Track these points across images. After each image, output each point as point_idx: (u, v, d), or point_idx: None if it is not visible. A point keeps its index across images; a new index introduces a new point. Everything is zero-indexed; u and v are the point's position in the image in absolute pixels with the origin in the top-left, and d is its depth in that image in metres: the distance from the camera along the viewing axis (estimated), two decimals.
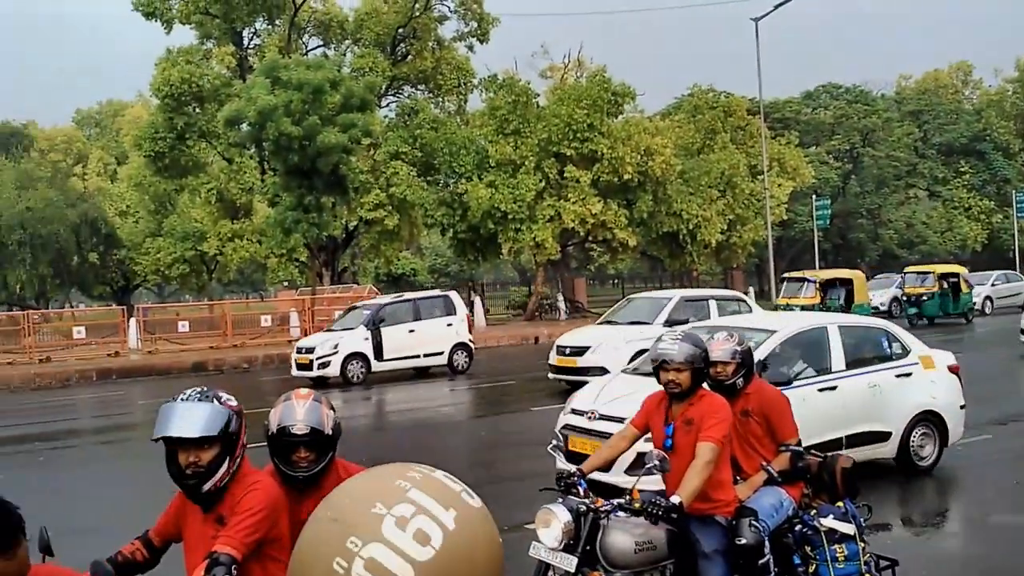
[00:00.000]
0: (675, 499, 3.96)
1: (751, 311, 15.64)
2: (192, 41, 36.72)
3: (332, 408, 3.49)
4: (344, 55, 38.76)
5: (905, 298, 29.35)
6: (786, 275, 30.00)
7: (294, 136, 28.08)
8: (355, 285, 38.74)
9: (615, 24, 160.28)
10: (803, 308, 23.78)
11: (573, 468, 4.38)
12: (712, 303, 16.36)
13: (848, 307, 25.34)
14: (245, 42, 38.71)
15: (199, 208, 40.73)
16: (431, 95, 40.12)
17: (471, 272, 54.12)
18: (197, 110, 35.32)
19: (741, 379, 4.90)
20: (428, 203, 34.62)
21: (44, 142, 55.81)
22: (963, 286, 28.80)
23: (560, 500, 4.15)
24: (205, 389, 3.22)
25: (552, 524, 4.01)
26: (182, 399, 3.13)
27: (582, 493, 4.20)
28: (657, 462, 4.05)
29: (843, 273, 28.39)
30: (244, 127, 30.98)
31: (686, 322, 13.43)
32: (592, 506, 4.07)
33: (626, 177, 33.58)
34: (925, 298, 28.07)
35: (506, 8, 39.00)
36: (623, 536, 4.04)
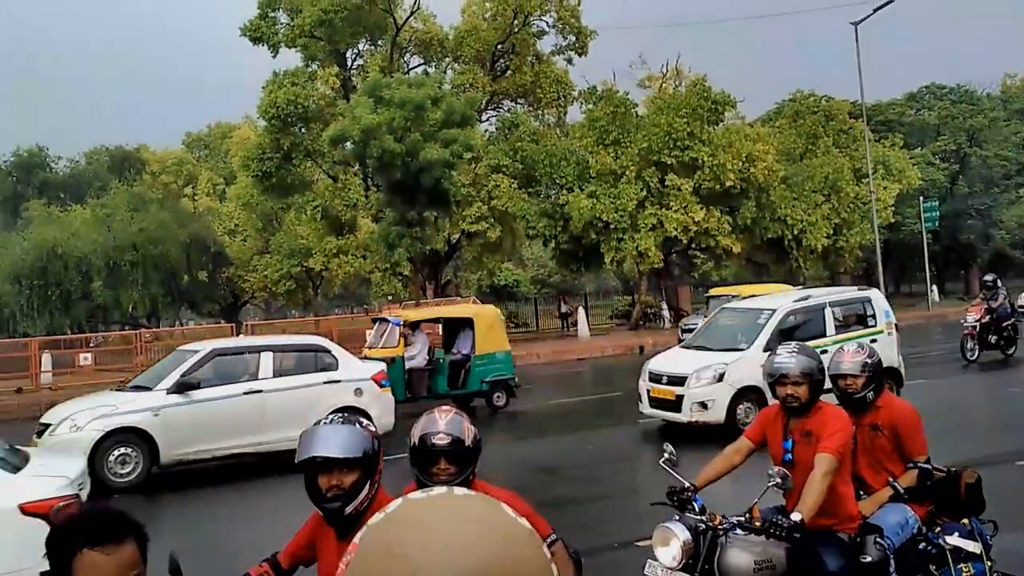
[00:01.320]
0: (796, 516, 3.84)
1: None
2: (297, 63, 37.80)
3: (473, 425, 3.50)
4: (444, 72, 39.33)
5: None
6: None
7: (397, 153, 28.59)
8: (458, 297, 39.10)
9: (713, 32, 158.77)
10: None
11: (687, 484, 4.29)
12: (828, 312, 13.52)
13: None
14: (348, 63, 39.68)
15: (305, 225, 41.66)
16: (530, 108, 40.41)
17: (574, 282, 54.14)
18: (303, 130, 36.26)
19: (871, 392, 4.76)
20: (529, 214, 34.80)
21: (155, 165, 57.90)
22: None
23: (677, 517, 4.09)
24: (345, 414, 3.29)
25: (671, 543, 3.95)
26: (324, 423, 3.19)
27: (698, 510, 4.12)
28: (779, 480, 3.96)
29: None
30: (348, 145, 31.71)
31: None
32: (710, 524, 4.01)
33: (728, 184, 33.17)
34: None
35: (604, 21, 39.19)
36: (742, 555, 3.96)
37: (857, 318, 13.66)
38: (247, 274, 43.41)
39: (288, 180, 37.43)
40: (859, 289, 14.92)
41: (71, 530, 1.94)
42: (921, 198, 41.54)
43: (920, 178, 44.51)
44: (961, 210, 52.42)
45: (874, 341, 12.19)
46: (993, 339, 18.84)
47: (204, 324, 45.29)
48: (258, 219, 44.63)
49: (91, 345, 31.77)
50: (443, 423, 3.39)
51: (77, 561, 1.89)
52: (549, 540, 3.23)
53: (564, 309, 43.76)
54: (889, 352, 12.68)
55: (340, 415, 3.28)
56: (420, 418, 3.48)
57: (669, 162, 33.35)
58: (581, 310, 36.27)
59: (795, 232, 36.00)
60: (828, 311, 13.20)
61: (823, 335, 12.64)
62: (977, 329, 18.64)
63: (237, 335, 28.42)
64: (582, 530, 7.50)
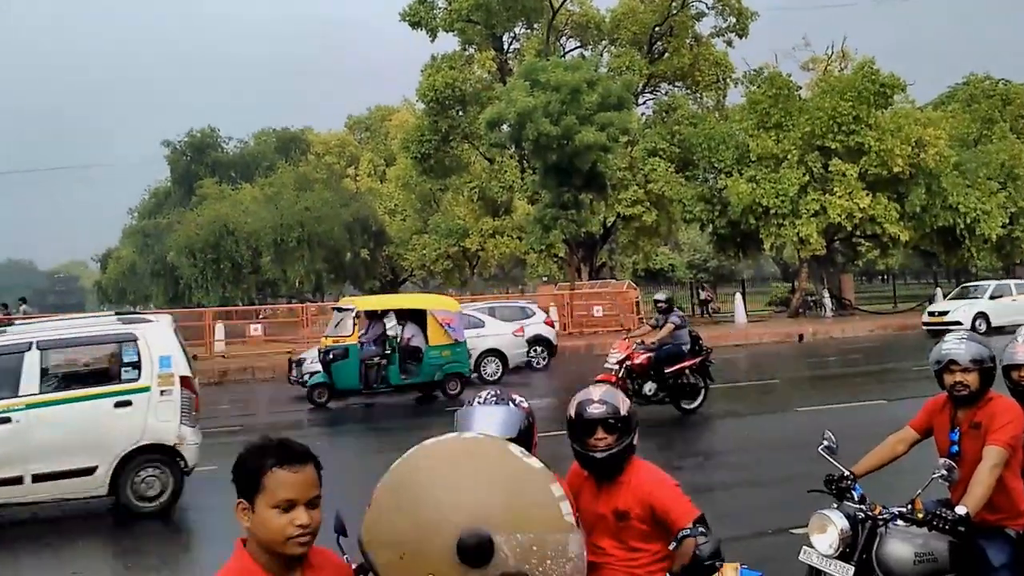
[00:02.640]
0: (961, 509, 3.70)
1: None
2: (455, 47, 38.52)
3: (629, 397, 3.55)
4: (601, 55, 39.15)
5: None
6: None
7: (552, 136, 28.65)
8: (613, 280, 39.07)
9: (882, 14, 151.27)
10: None
11: (846, 471, 4.18)
12: None
13: None
14: (505, 46, 40.03)
15: (462, 206, 42.46)
16: (688, 91, 39.74)
17: (731, 267, 53.04)
18: (460, 113, 36.87)
19: None
20: (686, 198, 34.25)
21: (320, 146, 60.19)
22: None
23: (835, 505, 4.00)
24: (499, 392, 3.33)
25: (828, 530, 3.88)
26: (479, 403, 3.25)
27: (857, 499, 4.02)
28: (945, 472, 3.81)
29: None
30: (504, 128, 31.99)
31: None
32: (870, 513, 3.91)
33: (896, 170, 31.63)
34: None
35: (767, 2, 37.96)
36: (903, 546, 3.87)
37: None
38: (406, 252, 44.55)
39: (446, 162, 38.27)
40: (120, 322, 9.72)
41: (263, 452, 2.16)
42: None
43: None
44: None
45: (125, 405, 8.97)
46: (649, 389, 13.10)
47: None
48: (417, 199, 45.76)
49: (260, 317, 33.46)
50: (598, 394, 3.47)
51: (268, 477, 2.11)
52: (688, 531, 3.24)
53: (703, 296, 42.88)
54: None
55: (493, 393, 3.33)
56: (576, 392, 3.55)
57: (833, 147, 32.09)
58: (738, 296, 35.49)
59: (967, 221, 33.99)
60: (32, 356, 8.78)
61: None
62: (621, 374, 12.97)
63: None
64: (735, 516, 7.51)
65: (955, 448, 4.11)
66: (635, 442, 3.48)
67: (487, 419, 3.13)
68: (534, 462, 1.28)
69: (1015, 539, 4.05)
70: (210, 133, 59.68)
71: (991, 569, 3.95)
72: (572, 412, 3.47)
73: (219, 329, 27.93)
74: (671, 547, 3.30)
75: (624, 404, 3.47)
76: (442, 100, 36.10)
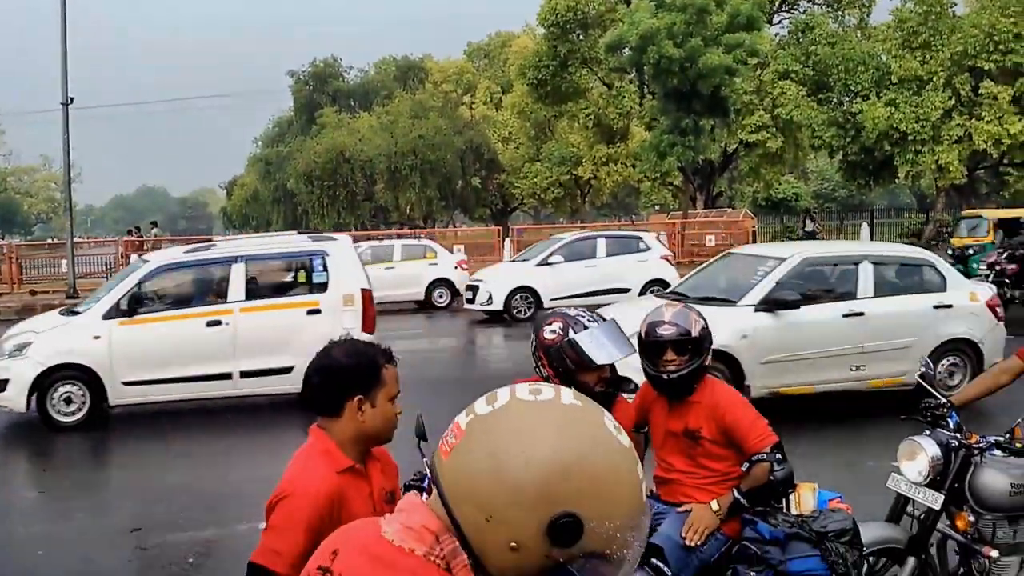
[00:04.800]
0: None
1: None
2: None
3: (702, 317, 3.54)
4: None
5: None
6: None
7: (675, 59, 27.44)
8: (729, 209, 37.64)
9: None
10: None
11: (943, 399, 3.96)
12: None
13: None
14: None
15: (576, 133, 41.61)
16: (830, 9, 37.23)
17: (861, 197, 50.53)
18: (581, 37, 35.82)
19: None
20: (817, 123, 32.43)
21: (438, 74, 59.73)
22: None
23: (927, 432, 3.84)
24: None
25: (918, 457, 3.74)
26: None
27: (952, 427, 3.83)
28: None
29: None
30: (626, 52, 30.85)
31: None
32: (965, 441, 3.75)
33: None
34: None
35: None
36: (999, 476, 3.70)
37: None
38: (518, 181, 44.10)
39: (563, 88, 37.39)
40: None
41: (374, 351, 2.54)
42: None
43: None
44: None
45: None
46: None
47: (475, 228, 46.71)
48: (531, 127, 45.09)
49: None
50: (669, 314, 3.48)
51: (385, 373, 2.50)
52: (763, 456, 3.31)
53: (809, 227, 40.54)
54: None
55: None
56: (648, 313, 3.58)
57: (986, 67, 29.87)
58: (864, 227, 33.63)
59: None
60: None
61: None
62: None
63: (504, 240, 28.79)
64: (836, 447, 7.75)
65: None
66: (707, 362, 3.49)
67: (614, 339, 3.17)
68: (624, 439, 1.30)
69: None
70: (332, 63, 60.10)
71: None
72: (643, 332, 3.50)
73: None
74: (744, 467, 3.37)
75: (696, 325, 3.46)
76: (563, 24, 35.14)
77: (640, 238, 19.71)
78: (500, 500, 1.24)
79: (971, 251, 19.18)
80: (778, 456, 3.31)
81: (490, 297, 17.37)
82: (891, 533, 3.86)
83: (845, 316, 8.73)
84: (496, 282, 17.78)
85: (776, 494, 3.34)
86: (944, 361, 8.97)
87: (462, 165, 42.16)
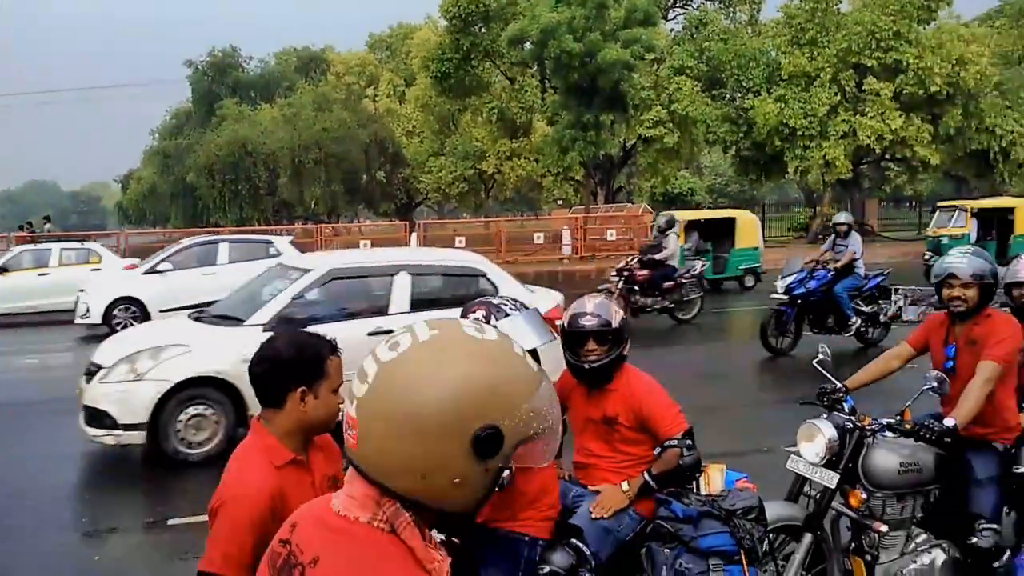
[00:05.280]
0: (949, 422, 3.75)
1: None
2: None
3: (623, 309, 3.66)
4: None
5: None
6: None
7: (575, 53, 27.91)
8: (629, 204, 38.43)
9: None
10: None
11: (839, 384, 4.20)
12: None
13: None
14: None
15: (480, 128, 41.76)
16: (722, 6, 38.36)
17: (752, 192, 52.11)
18: (483, 30, 35.87)
19: None
20: (711, 119, 33.34)
21: (340, 65, 58.91)
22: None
23: (824, 416, 4.04)
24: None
25: (816, 439, 3.93)
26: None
27: (847, 411, 4.07)
28: (936, 384, 3.86)
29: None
30: (527, 46, 31.14)
31: None
32: (858, 424, 3.97)
33: (933, 89, 30.58)
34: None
35: None
36: (889, 455, 3.94)
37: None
38: (422, 175, 44.06)
39: (466, 81, 37.34)
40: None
41: (317, 342, 2.51)
42: None
43: None
44: None
45: None
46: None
47: (380, 223, 46.47)
48: (435, 121, 45.03)
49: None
50: (591, 306, 3.59)
51: (329, 364, 2.49)
52: (673, 442, 3.44)
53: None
54: None
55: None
56: (573, 303, 3.68)
57: (869, 64, 31.10)
58: (756, 220, 34.70)
59: (1003, 144, 32.99)
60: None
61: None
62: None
63: (410, 235, 28.92)
64: (729, 433, 7.78)
65: (950, 363, 4.14)
66: (625, 352, 3.59)
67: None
68: (490, 331, 1.40)
69: (1001, 453, 4.08)
70: (231, 53, 58.66)
71: (975, 481, 4.00)
72: (565, 322, 3.60)
73: None
74: (655, 452, 3.50)
75: (616, 316, 3.57)
76: (465, 16, 35.04)
77: (271, 242, 17.69)
78: (420, 456, 1.29)
79: (946, 240, 19.75)
80: (688, 442, 3.44)
81: (88, 310, 14.97)
82: (790, 511, 4.03)
83: (370, 335, 7.52)
84: (96, 293, 15.24)
85: (685, 478, 3.47)
86: None
87: (367, 159, 41.69)
